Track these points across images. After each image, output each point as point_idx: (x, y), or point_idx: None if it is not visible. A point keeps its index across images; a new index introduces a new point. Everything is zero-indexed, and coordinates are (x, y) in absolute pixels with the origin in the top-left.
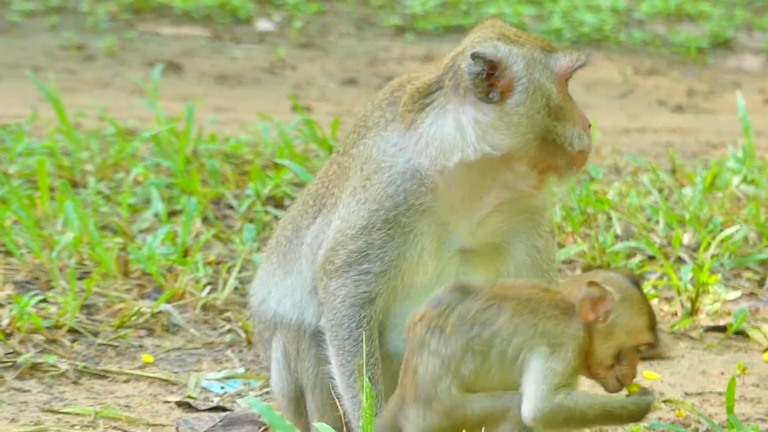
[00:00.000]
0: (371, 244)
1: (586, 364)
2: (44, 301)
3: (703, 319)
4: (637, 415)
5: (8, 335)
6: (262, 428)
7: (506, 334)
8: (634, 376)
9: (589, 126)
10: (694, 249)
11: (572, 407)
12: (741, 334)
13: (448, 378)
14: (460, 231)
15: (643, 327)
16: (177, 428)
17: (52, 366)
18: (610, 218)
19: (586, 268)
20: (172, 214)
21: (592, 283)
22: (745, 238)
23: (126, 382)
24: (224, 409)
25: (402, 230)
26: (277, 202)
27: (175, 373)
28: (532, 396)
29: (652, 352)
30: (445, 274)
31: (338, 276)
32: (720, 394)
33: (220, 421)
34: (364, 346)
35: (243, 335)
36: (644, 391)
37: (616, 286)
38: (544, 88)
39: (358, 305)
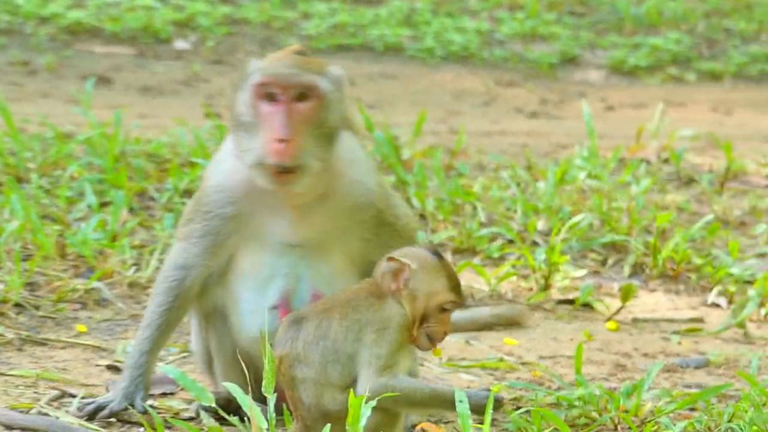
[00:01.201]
0: (194, 230)
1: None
2: None
3: (555, 294)
4: (472, 403)
5: None
6: (180, 387)
7: (342, 337)
8: (444, 334)
9: (283, 140)
10: (547, 234)
11: (398, 387)
12: (587, 306)
13: (328, 391)
14: (276, 231)
15: (442, 288)
16: (107, 388)
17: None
18: (475, 208)
19: (455, 251)
20: (103, 205)
21: (390, 258)
22: (590, 225)
23: (63, 348)
24: None
25: (215, 229)
26: (192, 194)
27: (105, 340)
28: (362, 380)
29: (504, 318)
30: (279, 266)
31: (176, 242)
32: (569, 357)
33: None
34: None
35: None
36: (482, 391)
37: (412, 257)
38: (237, 101)
39: (173, 267)
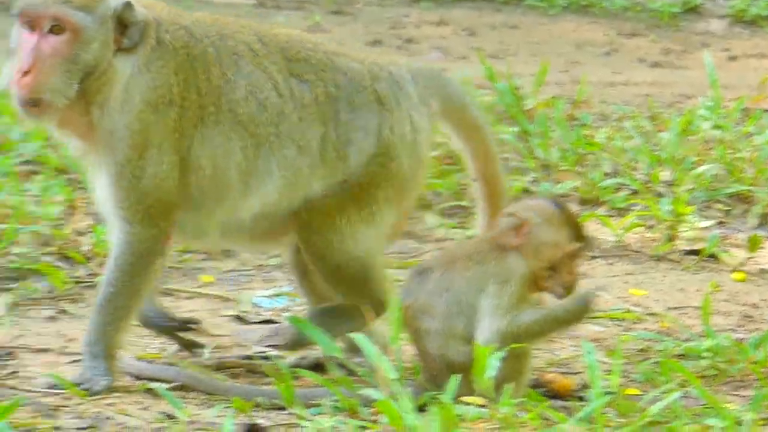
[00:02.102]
0: None
1: (534, 284)
2: None
3: (681, 244)
4: (579, 311)
5: (88, 259)
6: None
7: (465, 289)
8: (575, 281)
9: (26, 72)
10: (671, 185)
11: (520, 325)
12: (713, 257)
13: (452, 342)
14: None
15: (566, 237)
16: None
17: None
18: (599, 158)
19: (580, 202)
20: None
21: (509, 214)
22: (715, 175)
23: (189, 299)
24: (272, 322)
25: None
26: None
27: (231, 291)
28: (484, 328)
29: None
30: None
31: None
32: (696, 308)
33: (269, 332)
34: None
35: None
36: (583, 294)
37: (531, 210)
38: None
39: None
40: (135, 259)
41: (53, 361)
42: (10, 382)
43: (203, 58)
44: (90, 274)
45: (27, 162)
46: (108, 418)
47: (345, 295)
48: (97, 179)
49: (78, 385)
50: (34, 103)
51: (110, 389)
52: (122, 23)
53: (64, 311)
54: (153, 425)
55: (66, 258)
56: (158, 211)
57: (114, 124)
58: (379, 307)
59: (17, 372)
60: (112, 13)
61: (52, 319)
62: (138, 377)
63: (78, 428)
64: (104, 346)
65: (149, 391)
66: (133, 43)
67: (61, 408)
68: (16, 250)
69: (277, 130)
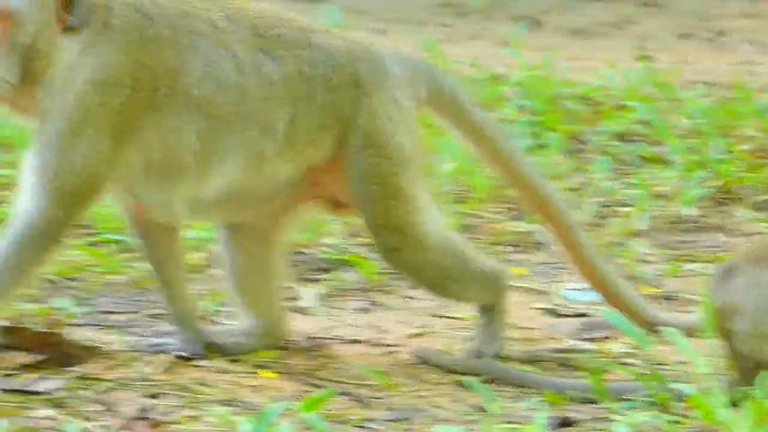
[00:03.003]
0: None
1: None
2: None
3: None
4: None
5: None
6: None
7: None
8: None
9: None
10: None
11: None
12: None
13: (765, 342)
14: None
15: None
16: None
17: None
18: None
19: None
20: (538, 147)
21: None
22: None
23: None
24: (585, 316)
25: None
26: (625, 138)
27: (542, 283)
28: None
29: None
30: None
31: None
32: None
33: (581, 325)
34: None
35: None
36: None
37: None
38: None
39: None
40: (31, 239)
41: (365, 352)
42: (322, 373)
43: (157, 39)
44: None
45: None
46: (420, 410)
47: (447, 292)
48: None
49: None
50: None
51: (420, 381)
52: (66, 2)
53: (375, 302)
54: (465, 417)
55: None
56: (76, 194)
57: (53, 101)
58: (495, 285)
59: (329, 363)
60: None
61: (363, 310)
62: (449, 371)
63: (389, 419)
64: None
65: (460, 384)
66: (79, 22)
67: (373, 399)
68: (327, 240)
69: (237, 109)
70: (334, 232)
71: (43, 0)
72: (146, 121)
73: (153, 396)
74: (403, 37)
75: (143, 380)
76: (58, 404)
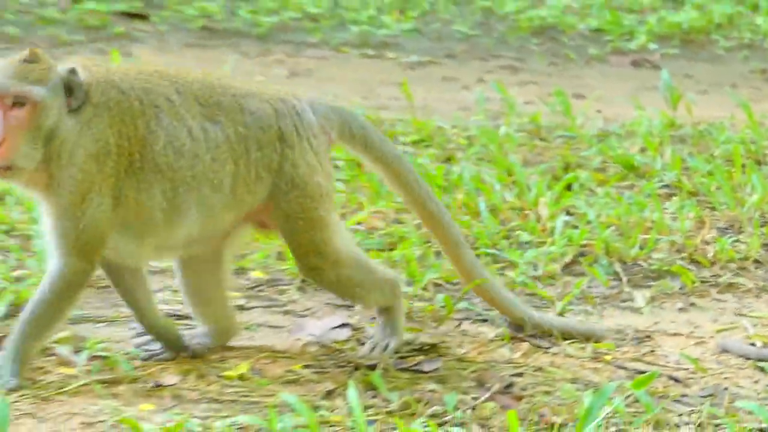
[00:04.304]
0: None
1: None
2: (737, 241)
3: None
4: None
5: (712, 263)
6: None
7: None
8: None
9: None
10: None
11: None
12: None
13: None
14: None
15: None
16: None
17: (741, 284)
18: None
19: None
20: None
21: None
22: None
23: None
24: None
25: None
26: None
27: None
28: None
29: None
30: None
31: None
32: None
33: None
34: None
35: None
36: None
37: None
38: None
39: None
40: (65, 287)
41: (683, 344)
42: (648, 359)
43: (130, 111)
44: (713, 276)
45: (666, 186)
46: (724, 389)
47: (356, 299)
48: (44, 218)
49: None
50: (7, 168)
51: (726, 366)
52: (69, 87)
53: (693, 304)
54: (762, 395)
55: (695, 262)
56: (92, 247)
57: (62, 175)
58: (391, 291)
59: (654, 351)
60: (60, 80)
61: (682, 310)
62: (747, 357)
63: (701, 396)
64: (20, 355)
65: (760, 368)
66: (79, 103)
67: (688, 379)
68: (655, 255)
69: (193, 172)
70: (661, 248)
71: (56, 87)
72: (125, 182)
73: (515, 375)
74: (719, 98)
75: (507, 362)
76: (439, 380)
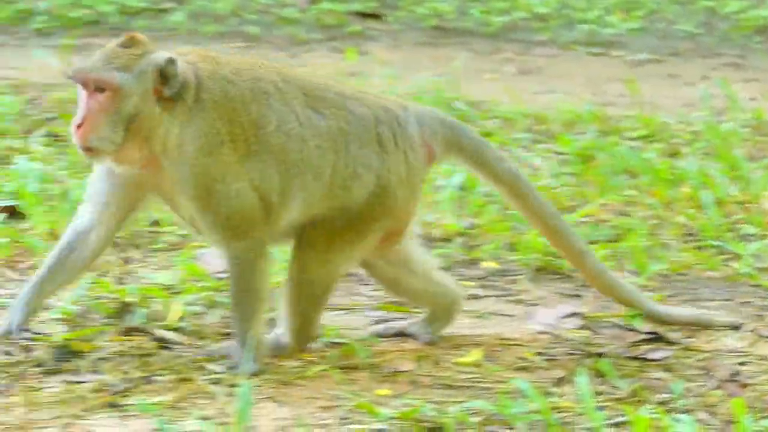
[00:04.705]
0: None
1: None
2: None
3: None
4: None
5: None
6: None
7: None
8: None
9: (79, 125)
10: None
11: None
12: None
13: None
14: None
15: None
16: None
17: None
18: None
19: None
20: None
21: None
22: None
23: None
24: None
25: None
26: None
27: None
28: None
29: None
30: None
31: None
32: None
33: None
34: None
35: None
36: None
37: None
38: None
39: None
40: (244, 268)
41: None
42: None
43: (241, 98)
44: None
45: None
46: None
47: (294, 310)
48: (178, 206)
49: (230, 368)
50: (88, 149)
51: None
52: (164, 75)
53: None
54: None
55: None
56: (246, 227)
57: (178, 172)
58: (302, 335)
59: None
60: (153, 67)
61: None
62: None
63: None
64: (249, 341)
65: None
66: (173, 92)
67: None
68: None
69: (301, 155)
70: None
71: (143, 74)
72: (246, 167)
73: (741, 364)
74: None
75: (732, 351)
76: (667, 369)
